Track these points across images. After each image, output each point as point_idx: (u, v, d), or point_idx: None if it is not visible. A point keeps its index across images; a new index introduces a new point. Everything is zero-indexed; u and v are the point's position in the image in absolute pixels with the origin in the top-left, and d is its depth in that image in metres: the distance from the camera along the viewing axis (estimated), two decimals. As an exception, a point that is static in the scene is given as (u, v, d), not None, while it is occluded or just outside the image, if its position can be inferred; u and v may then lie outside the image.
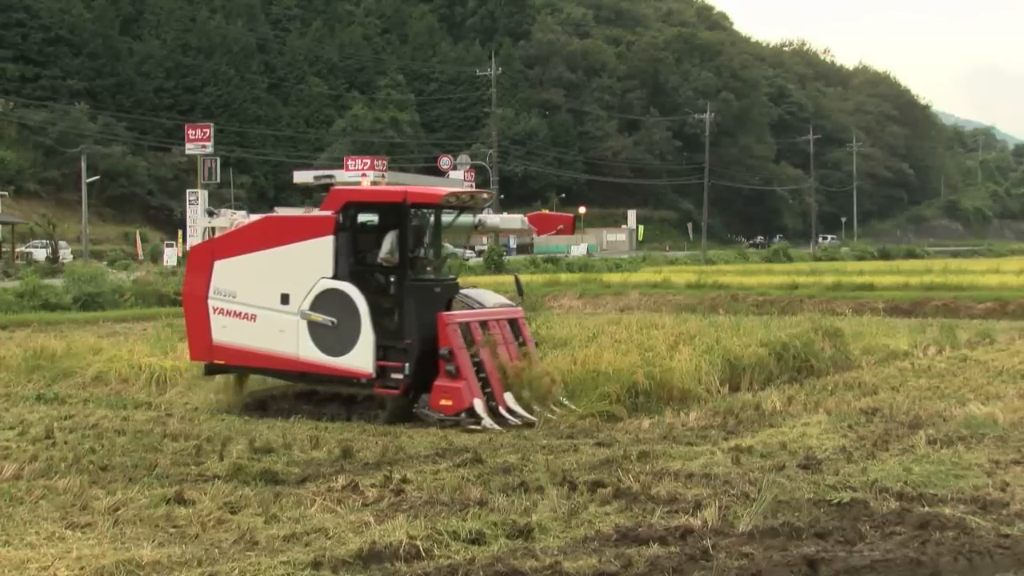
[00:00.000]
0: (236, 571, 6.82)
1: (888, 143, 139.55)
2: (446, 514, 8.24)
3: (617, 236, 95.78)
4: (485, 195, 14.60)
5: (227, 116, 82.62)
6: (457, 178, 78.71)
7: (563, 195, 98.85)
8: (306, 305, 12.91)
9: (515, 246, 75.53)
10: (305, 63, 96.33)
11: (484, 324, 13.18)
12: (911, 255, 76.29)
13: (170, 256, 54.79)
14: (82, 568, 6.84)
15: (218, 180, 61.61)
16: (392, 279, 12.86)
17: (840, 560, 6.97)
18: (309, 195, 77.67)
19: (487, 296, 14.06)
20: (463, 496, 8.81)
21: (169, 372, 15.80)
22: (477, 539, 7.55)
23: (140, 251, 59.51)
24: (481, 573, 6.85)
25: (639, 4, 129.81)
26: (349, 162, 67.94)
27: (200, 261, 13.97)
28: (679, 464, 10.07)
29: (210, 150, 57.72)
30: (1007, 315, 27.91)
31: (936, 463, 9.97)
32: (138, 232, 65.78)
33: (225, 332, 13.44)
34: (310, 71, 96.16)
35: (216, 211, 14.68)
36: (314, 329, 12.87)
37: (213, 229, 14.61)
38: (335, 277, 12.85)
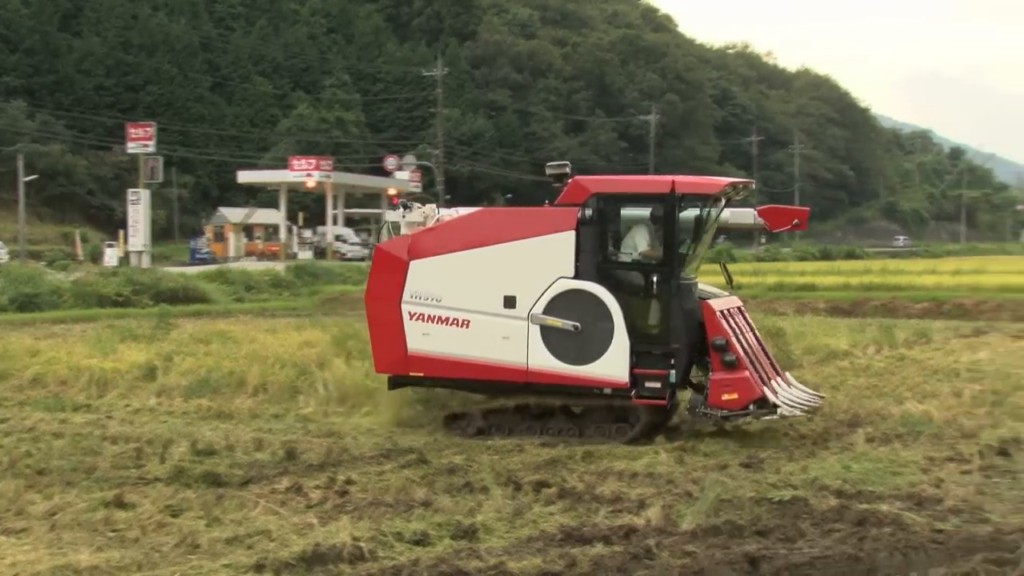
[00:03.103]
0: (177, 575, 6.76)
1: (829, 145, 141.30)
2: (391, 515, 8.23)
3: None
4: (752, 186, 13.04)
5: (170, 115, 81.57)
6: (403, 178, 78.57)
7: (509, 196, 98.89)
8: (539, 308, 11.53)
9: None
10: (249, 62, 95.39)
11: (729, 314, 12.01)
12: (851, 256, 77.30)
13: (111, 256, 54.02)
14: (17, 574, 6.73)
15: (161, 179, 60.93)
16: (655, 278, 11.50)
17: (781, 557, 7.07)
18: (253, 195, 76.33)
19: (710, 288, 12.66)
20: (408, 497, 8.81)
21: (109, 374, 15.59)
22: (422, 540, 7.56)
23: (80, 251, 58.60)
24: (425, 574, 6.86)
25: (585, 5, 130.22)
26: (294, 162, 67.61)
27: (390, 261, 12.28)
28: (623, 464, 10.15)
29: (152, 149, 57.02)
30: (942, 315, 28.45)
31: (874, 461, 10.16)
32: (78, 232, 64.71)
33: (426, 341, 11.87)
34: (254, 70, 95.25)
35: (410, 205, 12.77)
36: (548, 335, 11.50)
37: (397, 226, 12.99)
38: (577, 276, 11.56)
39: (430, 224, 12.48)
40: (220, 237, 68.32)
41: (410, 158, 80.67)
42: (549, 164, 12.69)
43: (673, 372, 11.38)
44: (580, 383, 11.47)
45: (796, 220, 12.47)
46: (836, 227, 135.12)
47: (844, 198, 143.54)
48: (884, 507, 8.35)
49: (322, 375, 14.86)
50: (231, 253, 64.81)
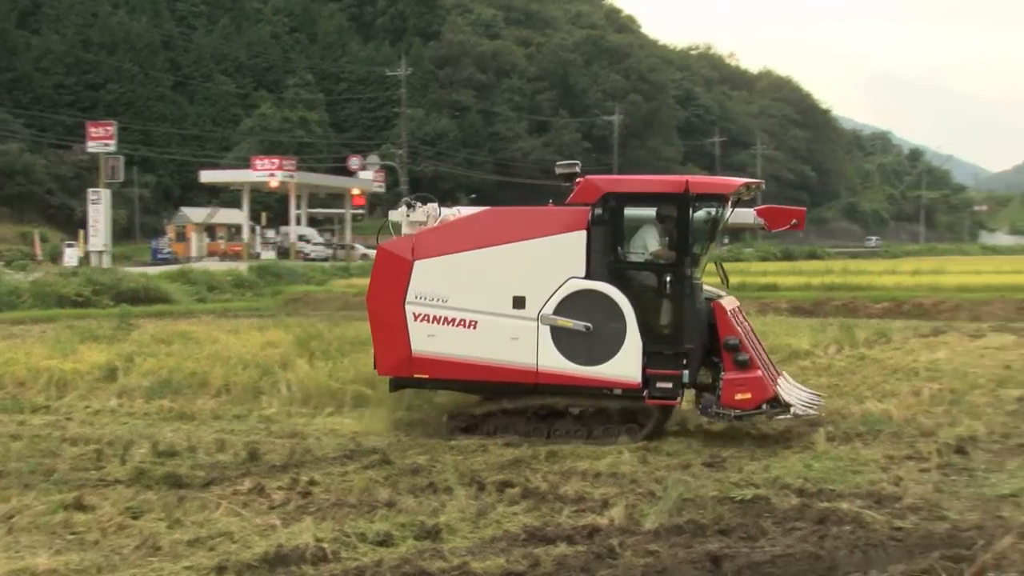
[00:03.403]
0: (138, 577, 6.71)
1: (791, 146, 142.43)
2: (354, 516, 8.21)
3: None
4: (763, 186, 12.93)
5: (131, 114, 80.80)
6: (367, 178, 78.34)
7: (473, 196, 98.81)
8: (549, 309, 11.37)
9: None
10: (212, 61, 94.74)
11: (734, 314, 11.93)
12: (812, 256, 77.95)
13: (71, 256, 53.44)
14: (-25, 578, 6.65)
15: (122, 179, 60.33)
16: (668, 278, 11.40)
17: (743, 556, 7.13)
18: (216, 194, 75.85)
19: (710, 288, 12.50)
20: (371, 498, 8.79)
21: (69, 375, 15.43)
22: (385, 541, 7.55)
23: (39, 251, 57.93)
24: (389, 575, 6.85)
25: (548, 6, 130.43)
26: (257, 162, 67.25)
27: (393, 261, 11.96)
28: (587, 463, 10.17)
29: (113, 148, 56.43)
30: (902, 314, 28.77)
31: (835, 459, 10.26)
32: (37, 232, 63.98)
33: (432, 342, 11.60)
34: (217, 69, 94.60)
35: (414, 204, 12.43)
36: (559, 335, 11.35)
37: (398, 225, 12.59)
38: (588, 277, 11.43)
39: (431, 224, 12.25)
40: (182, 237, 67.84)
41: (374, 158, 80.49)
42: (559, 164, 12.58)
43: (687, 372, 11.32)
44: (591, 384, 11.36)
45: (794, 220, 12.46)
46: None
47: (806, 199, 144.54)
48: (844, 505, 8.44)
49: (285, 376, 14.78)
50: (193, 253, 64.37)
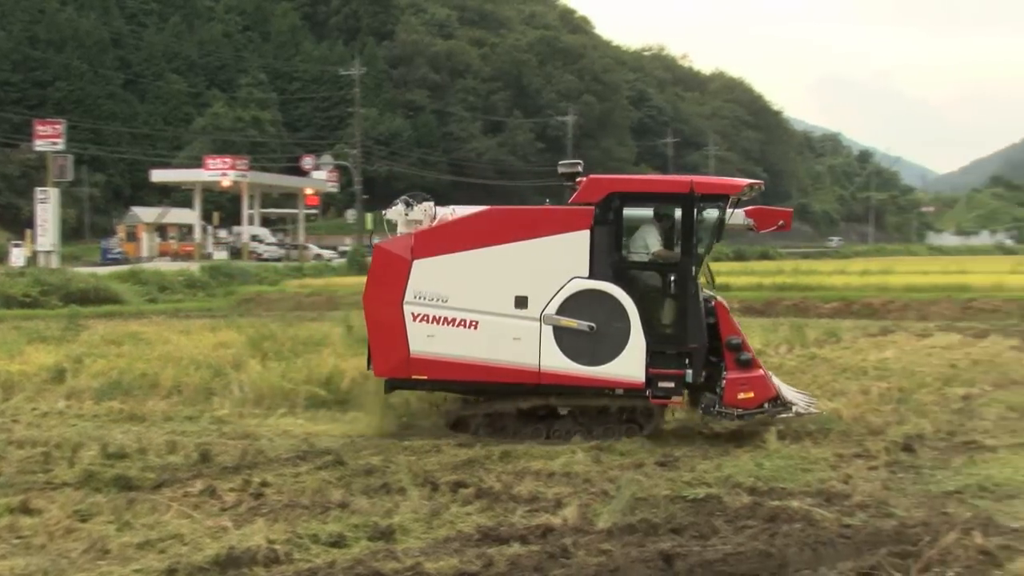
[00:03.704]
0: (86, 581, 6.64)
1: (743, 147, 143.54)
2: (306, 517, 8.18)
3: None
4: (763, 187, 12.87)
5: (80, 112, 79.72)
6: (320, 178, 77.94)
7: (427, 196, 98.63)
8: (552, 308, 11.30)
9: (379, 247, 74.92)
10: (163, 59, 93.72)
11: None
12: (764, 256, 78.66)
13: (17, 256, 52.61)
14: (-81, 583, 6.55)
15: (71, 178, 59.54)
16: (673, 278, 11.39)
17: (695, 554, 7.19)
18: (167, 194, 74.91)
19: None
20: (324, 499, 8.76)
21: (16, 377, 15.21)
22: (338, 542, 7.52)
23: (-15, 251, 57.02)
24: (341, 576, 6.83)
25: (503, 6, 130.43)
26: (209, 161, 66.69)
27: (391, 261, 11.73)
28: (540, 464, 10.20)
29: (61, 147, 55.65)
30: (852, 314, 29.14)
31: (786, 458, 10.38)
32: (-18, 232, 63.03)
33: (431, 343, 11.43)
34: (168, 67, 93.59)
35: (412, 202, 12.20)
36: (562, 335, 11.27)
37: (393, 224, 12.34)
38: (591, 276, 11.37)
39: (427, 223, 12.10)
40: (133, 237, 67.08)
41: (327, 158, 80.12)
42: (561, 163, 12.54)
43: (690, 372, 11.35)
44: (595, 384, 11.32)
45: (781, 221, 12.60)
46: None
47: (758, 199, 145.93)
48: (795, 503, 8.54)
49: (237, 376, 14.68)
50: (144, 253, 63.68)
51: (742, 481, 9.43)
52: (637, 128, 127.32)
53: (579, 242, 11.36)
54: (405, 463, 10.15)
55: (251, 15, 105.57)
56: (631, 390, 11.31)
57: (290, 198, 78.01)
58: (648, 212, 11.94)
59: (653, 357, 11.27)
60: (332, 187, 79.22)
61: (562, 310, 11.29)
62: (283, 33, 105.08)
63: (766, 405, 11.38)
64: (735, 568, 6.97)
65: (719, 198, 11.65)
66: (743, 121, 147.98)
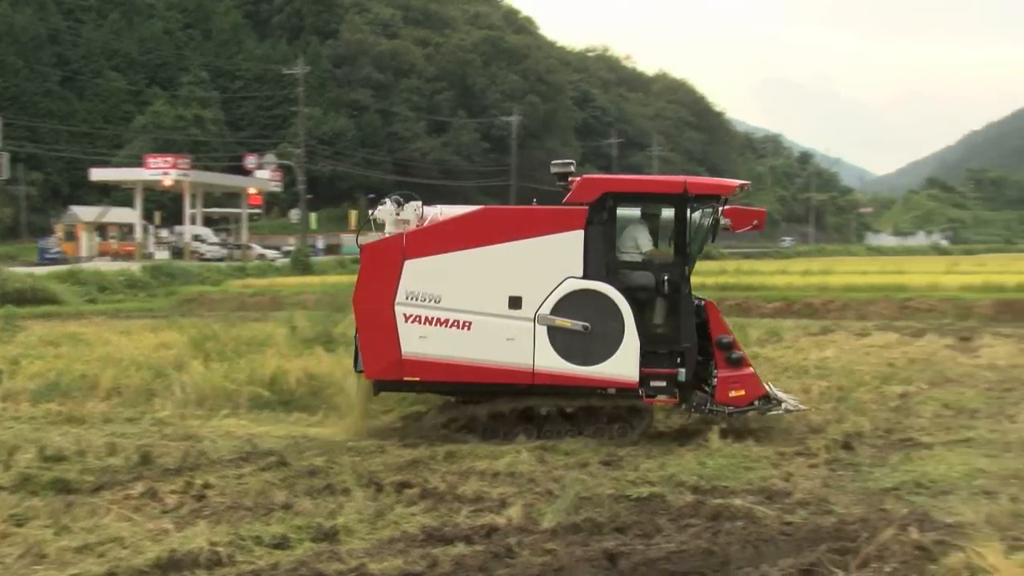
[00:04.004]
0: (23, 586, 6.53)
1: (686, 148, 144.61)
2: (249, 519, 8.12)
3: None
4: (750, 187, 12.91)
5: (15, 109, 78.21)
6: (263, 177, 77.22)
7: (372, 195, 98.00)
8: (547, 309, 11.26)
9: (323, 247, 74.56)
10: (102, 56, 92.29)
11: None
12: (707, 256, 79.20)
13: (-49, 256, 51.63)
14: None
15: (7, 176, 58.50)
16: (666, 278, 11.52)
17: (638, 553, 7.23)
18: (107, 193, 73.72)
19: None
20: (267, 500, 8.69)
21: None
22: (281, 543, 7.48)
23: (-82, 251, 55.87)
24: (285, 578, 6.78)
25: (447, 6, 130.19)
26: (150, 160, 65.86)
27: (381, 261, 11.58)
28: (485, 464, 10.21)
29: (-3, 144, 54.71)
30: (793, 314, 29.50)
31: (728, 457, 10.49)
32: (-85, 231, 61.76)
33: (424, 343, 11.32)
34: (107, 65, 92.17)
35: (403, 201, 12.07)
36: (555, 336, 11.25)
37: (381, 223, 12.18)
38: (585, 276, 11.36)
39: (414, 222, 11.99)
40: (72, 236, 66.00)
41: (271, 157, 79.35)
42: (554, 162, 12.56)
43: (682, 371, 11.45)
44: (589, 384, 11.33)
45: (756, 220, 12.71)
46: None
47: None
48: (737, 501, 8.64)
49: (179, 377, 14.52)
50: (83, 253, 62.68)
51: (685, 480, 9.52)
52: (581, 128, 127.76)
53: (573, 242, 11.37)
54: (349, 464, 10.11)
55: (192, 12, 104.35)
56: (623, 390, 11.36)
57: (233, 197, 77.27)
58: (634, 211, 12.00)
59: (645, 356, 11.33)
60: (276, 187, 78.51)
61: (556, 310, 11.28)
62: (225, 31, 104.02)
63: (756, 402, 11.58)
64: (678, 566, 7.03)
65: (712, 198, 11.74)
66: (686, 122, 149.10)
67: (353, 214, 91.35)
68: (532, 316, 11.29)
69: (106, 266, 45.54)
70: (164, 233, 70.63)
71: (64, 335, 19.99)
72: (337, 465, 10.09)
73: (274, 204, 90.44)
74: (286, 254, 63.90)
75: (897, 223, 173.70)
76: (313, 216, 76.44)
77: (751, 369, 11.76)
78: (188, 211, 68.48)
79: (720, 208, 11.75)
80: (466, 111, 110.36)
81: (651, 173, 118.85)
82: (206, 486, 9.19)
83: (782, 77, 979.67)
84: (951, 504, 8.74)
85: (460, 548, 7.39)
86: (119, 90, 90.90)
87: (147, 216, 68.55)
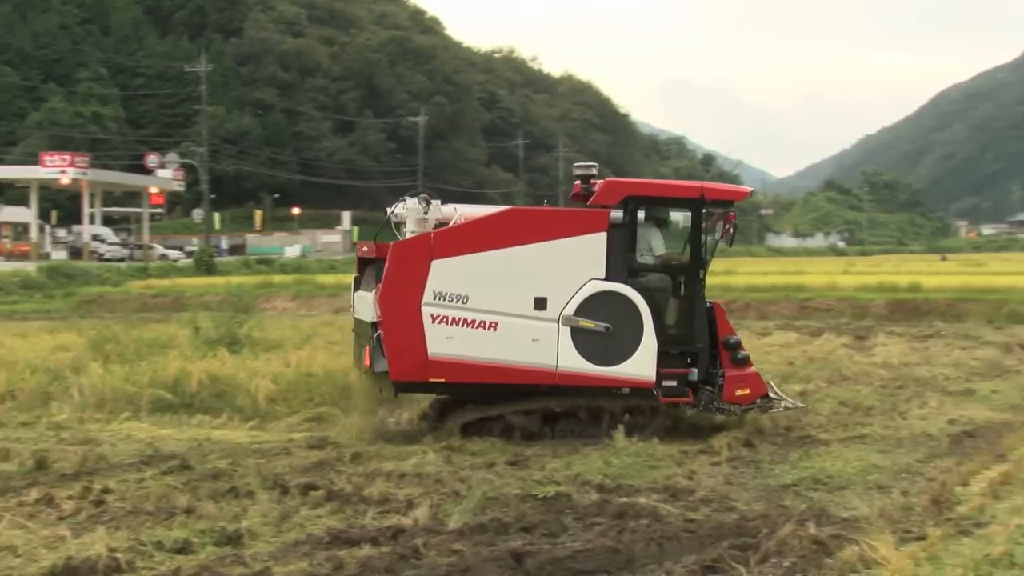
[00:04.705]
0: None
1: (592, 149, 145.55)
2: (151, 524, 7.97)
3: (332, 237, 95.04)
4: (753, 192, 12.88)
5: (-99, 104, 75.81)
6: (166, 176, 75.81)
7: (277, 195, 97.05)
8: (570, 310, 11.31)
9: (227, 247, 73.48)
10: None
11: None
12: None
13: None
14: None
15: None
16: (683, 280, 11.83)
17: (545, 552, 7.29)
18: (0, 192, 71.75)
19: None
20: (169, 504, 8.54)
21: None
22: (184, 548, 7.36)
23: None
24: (187, 583, 6.68)
25: (353, 5, 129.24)
26: (46, 158, 64.18)
27: (407, 260, 11.31)
28: (392, 464, 10.18)
29: None
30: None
31: (633, 455, 10.62)
32: None
33: (451, 344, 11.16)
34: None
35: (430, 200, 11.84)
36: (578, 336, 11.29)
37: (399, 223, 11.96)
38: (607, 278, 11.44)
39: (431, 223, 11.80)
40: (-38, 236, 64.09)
41: (173, 156, 77.98)
42: (576, 164, 12.66)
43: (695, 371, 11.74)
44: (608, 384, 11.47)
45: (730, 225, 12.82)
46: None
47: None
48: (642, 500, 8.76)
49: (77, 380, 14.17)
50: (-26, 253, 60.89)
51: (591, 479, 9.61)
52: (488, 129, 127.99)
53: (597, 244, 11.48)
54: (254, 466, 9.98)
55: (90, 7, 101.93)
56: (638, 389, 11.54)
57: (134, 197, 75.69)
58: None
59: (660, 357, 11.54)
60: (178, 186, 77.17)
61: (580, 311, 11.37)
62: (125, 27, 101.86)
63: (758, 401, 11.97)
64: (584, 565, 7.10)
65: (726, 203, 12.23)
66: (592, 123, 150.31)
67: (258, 214, 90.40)
68: (557, 317, 11.35)
69: (0, 266, 44.27)
70: (61, 233, 68.95)
71: (-45, 338, 19.36)
72: (241, 468, 9.95)
73: (177, 204, 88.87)
74: (189, 254, 62.86)
75: (797, 224, 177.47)
76: (217, 216, 75.22)
77: (754, 369, 12.17)
78: (87, 210, 66.98)
79: (730, 210, 12.28)
80: (372, 111, 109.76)
81: (558, 175, 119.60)
82: (105, 491, 8.98)
83: (685, 80, 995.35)
84: (847, 499, 8.98)
85: (366, 550, 7.36)
86: (12, 85, 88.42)
87: (43, 215, 66.80)
